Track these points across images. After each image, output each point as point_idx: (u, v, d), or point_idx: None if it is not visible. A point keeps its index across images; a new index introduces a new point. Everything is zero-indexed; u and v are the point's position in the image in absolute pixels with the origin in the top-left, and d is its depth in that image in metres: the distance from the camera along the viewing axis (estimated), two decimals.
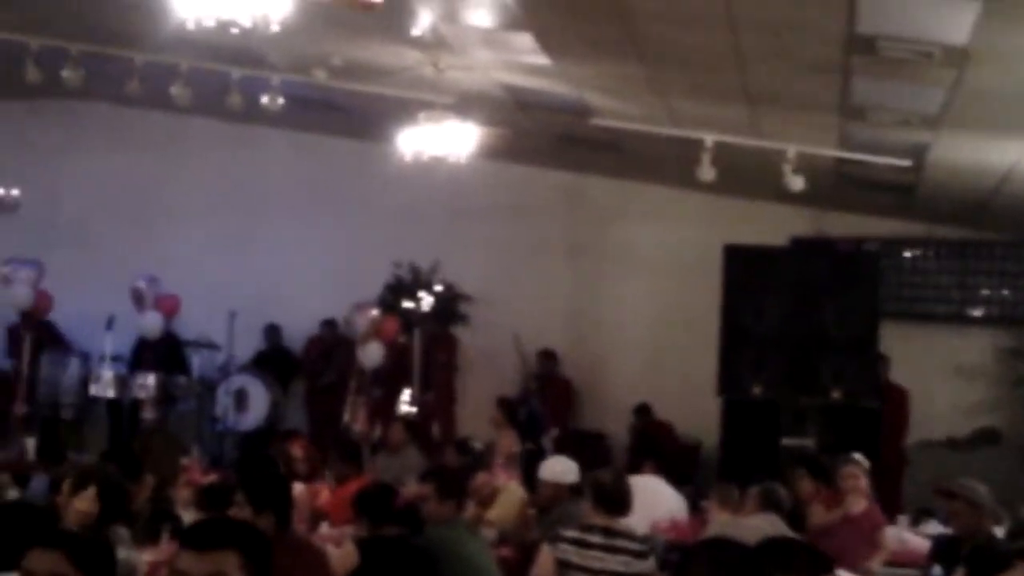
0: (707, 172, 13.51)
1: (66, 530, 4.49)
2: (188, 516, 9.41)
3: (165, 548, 7.97)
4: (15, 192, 17.14)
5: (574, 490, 10.07)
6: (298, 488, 10.88)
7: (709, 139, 13.42)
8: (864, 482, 10.81)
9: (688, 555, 6.73)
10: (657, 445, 15.51)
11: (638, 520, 8.35)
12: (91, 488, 7.14)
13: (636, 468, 12.56)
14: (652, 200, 18.06)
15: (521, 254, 18.27)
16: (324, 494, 11.29)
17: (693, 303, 17.07)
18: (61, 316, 17.37)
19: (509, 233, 18.28)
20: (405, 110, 13.52)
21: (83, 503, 7.15)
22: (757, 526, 8.40)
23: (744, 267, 15.10)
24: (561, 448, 14.31)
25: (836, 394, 14.54)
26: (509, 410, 15.00)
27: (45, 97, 17.85)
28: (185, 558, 3.88)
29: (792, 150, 13.42)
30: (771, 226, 16.86)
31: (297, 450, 11.41)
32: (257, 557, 3.81)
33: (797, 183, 13.55)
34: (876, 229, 17.54)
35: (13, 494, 10.13)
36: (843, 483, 10.82)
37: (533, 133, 15.98)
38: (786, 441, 14.48)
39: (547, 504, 10.15)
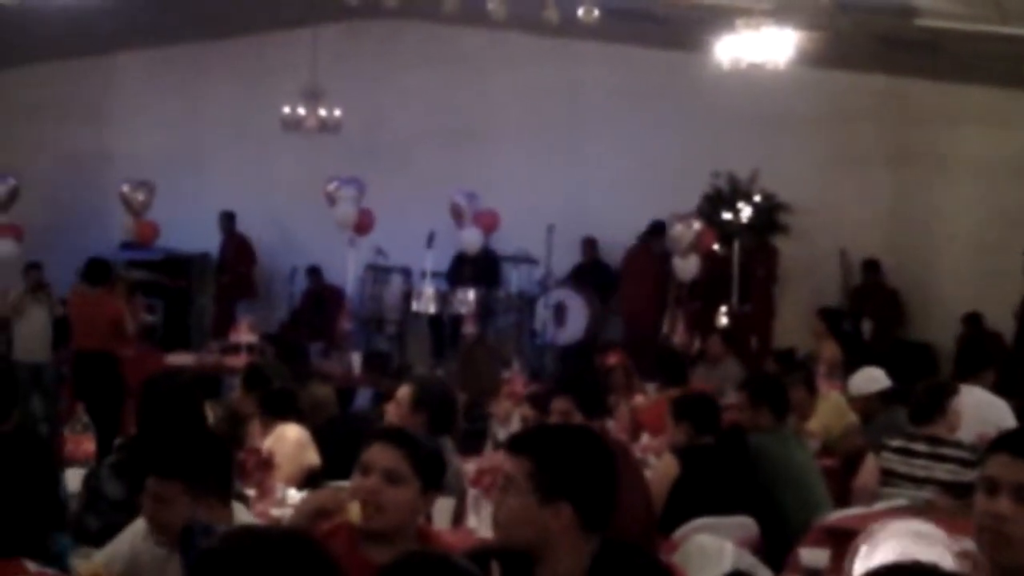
0: None
1: (410, 432, 4.65)
2: (510, 427, 9.57)
3: (490, 456, 8.09)
4: (337, 113, 17.53)
5: (888, 396, 9.97)
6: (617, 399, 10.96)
7: None
8: None
9: None
10: (987, 355, 15.03)
11: (965, 431, 8.10)
12: (411, 397, 7.30)
13: (964, 378, 12.19)
14: (979, 102, 17.32)
15: (842, 162, 17.80)
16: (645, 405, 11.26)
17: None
18: (382, 233, 17.73)
19: (829, 140, 17.83)
20: (722, 18, 13.30)
21: (402, 412, 7.31)
22: None
23: None
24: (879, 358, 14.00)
25: None
26: (831, 321, 14.77)
27: (364, 18, 18.21)
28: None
29: None
30: None
31: (614, 360, 11.42)
32: (547, 464, 3.85)
33: None
34: None
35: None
36: None
37: (853, 37, 15.55)
38: None
39: (866, 415, 10.12)
